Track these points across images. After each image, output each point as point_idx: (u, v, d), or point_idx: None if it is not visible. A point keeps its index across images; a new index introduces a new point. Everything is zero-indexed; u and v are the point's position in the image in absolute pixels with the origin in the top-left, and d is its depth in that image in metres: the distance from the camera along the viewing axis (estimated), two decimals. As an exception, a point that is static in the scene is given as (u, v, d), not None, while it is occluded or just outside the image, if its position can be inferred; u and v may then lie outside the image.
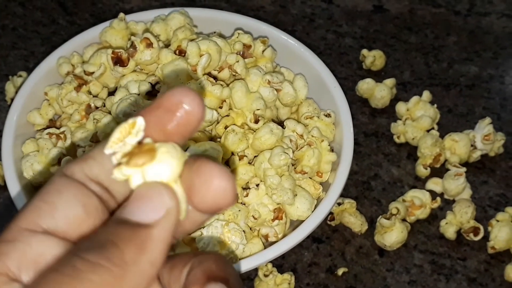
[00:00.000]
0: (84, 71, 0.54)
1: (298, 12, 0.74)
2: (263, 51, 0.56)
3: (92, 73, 0.54)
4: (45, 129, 0.55)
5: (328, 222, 0.57)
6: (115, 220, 0.22)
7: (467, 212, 0.56)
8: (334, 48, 0.70)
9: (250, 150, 0.52)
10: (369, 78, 0.64)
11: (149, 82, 0.52)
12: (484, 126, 0.60)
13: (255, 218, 0.49)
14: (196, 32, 0.57)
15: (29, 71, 0.58)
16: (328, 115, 0.55)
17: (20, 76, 0.62)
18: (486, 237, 0.56)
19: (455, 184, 0.57)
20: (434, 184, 0.59)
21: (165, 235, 0.22)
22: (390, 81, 0.65)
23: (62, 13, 0.73)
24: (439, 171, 0.60)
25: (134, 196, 0.22)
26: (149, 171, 0.22)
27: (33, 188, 0.52)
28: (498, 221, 0.55)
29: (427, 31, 0.72)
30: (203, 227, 0.48)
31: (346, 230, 0.57)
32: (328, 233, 0.57)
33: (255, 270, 0.53)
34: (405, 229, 0.55)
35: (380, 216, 0.55)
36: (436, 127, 0.62)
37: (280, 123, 0.53)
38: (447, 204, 0.58)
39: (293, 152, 0.51)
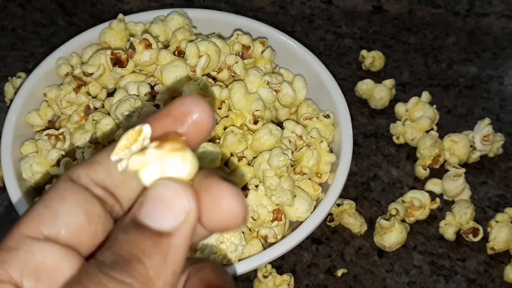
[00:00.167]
0: (83, 72, 0.54)
1: (297, 13, 0.74)
2: (262, 52, 0.56)
3: (91, 74, 0.54)
4: (44, 130, 0.55)
5: (328, 223, 0.57)
6: (134, 224, 0.22)
7: (467, 213, 0.56)
8: (334, 48, 0.70)
9: (249, 151, 0.52)
10: (368, 79, 0.64)
11: (148, 83, 0.52)
12: (483, 127, 0.60)
13: (254, 219, 0.49)
14: (195, 33, 0.57)
15: (28, 72, 0.58)
16: (327, 116, 0.55)
17: (19, 77, 0.62)
18: (485, 238, 0.56)
19: (455, 185, 0.57)
20: (434, 185, 0.59)
21: (185, 242, 0.22)
22: (389, 82, 0.65)
23: (62, 14, 0.73)
24: (439, 172, 0.60)
25: (152, 195, 0.22)
26: (169, 164, 0.22)
27: (32, 189, 0.52)
28: (497, 222, 0.55)
29: (426, 32, 0.72)
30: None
31: (345, 231, 0.57)
32: (328, 234, 0.57)
33: (255, 271, 0.53)
34: (404, 230, 0.55)
35: (380, 217, 0.55)
36: (435, 128, 0.62)
37: (279, 124, 0.53)
38: (447, 205, 0.58)
39: (292, 153, 0.51)
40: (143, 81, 0.52)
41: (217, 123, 0.52)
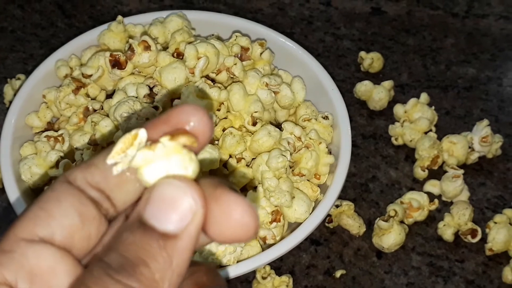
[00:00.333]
0: (82, 74, 0.54)
1: (296, 15, 0.74)
2: (261, 53, 0.56)
3: (90, 75, 0.54)
4: (43, 131, 0.55)
5: (326, 224, 0.57)
6: (139, 223, 0.22)
7: (465, 214, 0.56)
8: (332, 50, 0.70)
9: (248, 152, 0.52)
10: (367, 80, 0.64)
11: (147, 85, 0.52)
12: (482, 128, 0.60)
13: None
14: (194, 35, 0.57)
15: (28, 73, 0.58)
16: (326, 118, 0.55)
17: (19, 78, 0.63)
18: (484, 239, 0.56)
19: (453, 186, 0.57)
20: (432, 186, 0.59)
21: (191, 243, 0.22)
22: (388, 83, 0.65)
23: (61, 15, 0.73)
24: (437, 173, 0.60)
25: (159, 194, 0.22)
26: (175, 161, 0.22)
27: (31, 191, 0.52)
28: (496, 223, 0.55)
29: (425, 33, 0.72)
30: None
31: (344, 232, 0.57)
32: (326, 235, 0.57)
33: (253, 272, 0.53)
34: (403, 231, 0.55)
35: (378, 218, 0.55)
36: (434, 129, 0.62)
37: (278, 126, 0.53)
38: (445, 206, 0.58)
39: (291, 154, 0.51)
40: (142, 83, 0.52)
41: (216, 125, 0.52)
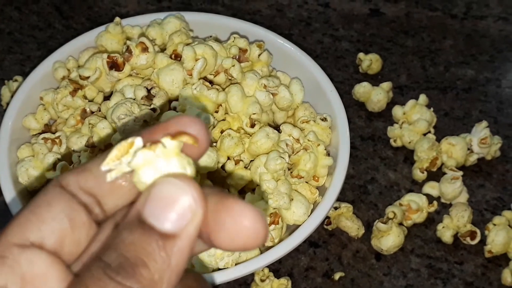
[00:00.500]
0: (80, 76, 0.54)
1: (294, 16, 0.74)
2: (259, 55, 0.56)
3: (88, 77, 0.54)
4: (40, 133, 0.55)
5: (325, 226, 0.57)
6: (139, 222, 0.22)
7: (464, 216, 0.56)
8: (331, 51, 0.70)
9: (246, 154, 0.52)
10: (365, 82, 0.64)
11: (145, 87, 0.52)
12: (481, 130, 0.60)
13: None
14: (192, 36, 0.57)
15: (25, 75, 0.58)
16: (324, 119, 0.54)
17: (16, 80, 0.62)
18: (483, 241, 0.55)
19: (452, 188, 0.57)
20: (431, 188, 0.59)
21: (190, 243, 0.22)
22: (386, 85, 0.65)
23: (58, 17, 0.73)
24: (436, 174, 0.60)
25: (158, 192, 0.22)
26: (174, 163, 0.22)
27: (28, 193, 0.52)
28: (495, 225, 0.55)
29: (423, 35, 0.72)
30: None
31: (342, 234, 0.57)
32: (325, 237, 0.56)
33: (252, 275, 0.53)
34: (401, 233, 0.55)
35: (377, 220, 0.55)
36: (432, 130, 0.62)
37: (276, 127, 0.53)
38: (444, 208, 0.58)
39: (289, 156, 0.51)
40: (140, 85, 0.52)
41: (214, 127, 0.52)
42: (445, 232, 0.56)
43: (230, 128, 0.52)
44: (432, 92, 0.66)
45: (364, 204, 0.58)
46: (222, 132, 0.52)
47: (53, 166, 0.51)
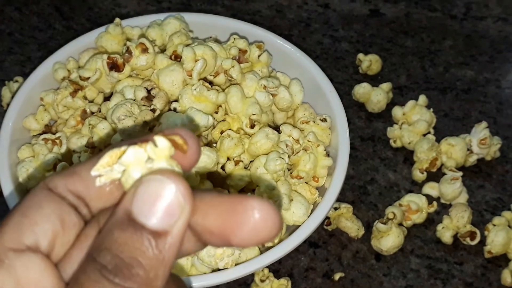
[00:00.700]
0: (80, 76, 0.54)
1: (294, 17, 0.74)
2: (258, 56, 0.56)
3: (88, 78, 0.54)
4: (40, 134, 0.55)
5: (325, 227, 0.57)
6: (129, 220, 0.22)
7: (464, 217, 0.56)
8: (330, 52, 0.70)
9: (246, 155, 0.52)
10: (365, 83, 0.64)
11: (145, 87, 0.52)
12: (481, 130, 0.60)
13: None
14: (192, 37, 0.57)
15: (25, 76, 0.58)
16: (324, 120, 0.55)
17: (16, 81, 0.62)
18: (482, 242, 0.56)
19: (452, 189, 0.57)
20: (431, 188, 0.59)
21: (180, 237, 0.22)
22: (386, 85, 0.65)
23: (59, 18, 0.73)
24: (436, 175, 0.60)
25: (145, 189, 0.22)
26: (163, 162, 0.22)
27: (29, 193, 0.52)
28: (494, 225, 0.55)
29: (423, 35, 0.72)
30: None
31: (342, 235, 0.57)
32: (325, 237, 0.56)
33: (252, 275, 0.53)
34: (401, 234, 0.55)
35: (377, 221, 0.55)
36: (432, 131, 0.62)
37: (276, 128, 0.53)
38: (444, 208, 0.58)
39: (289, 157, 0.51)
40: (140, 86, 0.52)
41: (214, 127, 0.52)
42: (445, 232, 0.56)
43: (230, 129, 0.52)
44: (431, 92, 0.66)
45: (364, 204, 0.58)
46: (222, 132, 0.52)
47: (54, 167, 0.51)
